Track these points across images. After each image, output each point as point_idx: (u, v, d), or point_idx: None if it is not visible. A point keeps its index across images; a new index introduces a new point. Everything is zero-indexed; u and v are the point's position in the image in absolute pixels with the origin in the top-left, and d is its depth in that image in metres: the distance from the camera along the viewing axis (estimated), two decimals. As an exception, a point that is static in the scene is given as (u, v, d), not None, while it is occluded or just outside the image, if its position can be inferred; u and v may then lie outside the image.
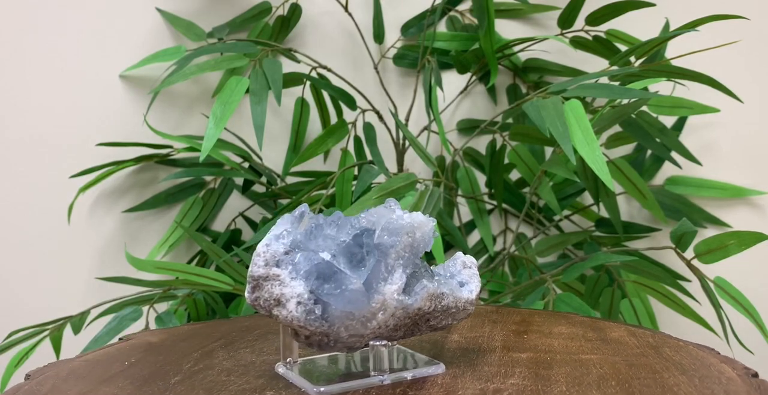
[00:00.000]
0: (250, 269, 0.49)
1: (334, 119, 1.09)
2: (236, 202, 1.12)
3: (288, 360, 0.53)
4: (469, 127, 1.16)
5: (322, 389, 0.49)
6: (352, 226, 0.50)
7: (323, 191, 1.00)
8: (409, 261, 0.50)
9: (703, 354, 0.56)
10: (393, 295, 0.49)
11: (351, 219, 0.50)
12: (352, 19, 1.10)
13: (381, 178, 1.07)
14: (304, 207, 0.50)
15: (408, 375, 0.51)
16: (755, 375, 0.50)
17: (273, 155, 1.13)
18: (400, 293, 0.49)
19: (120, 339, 0.66)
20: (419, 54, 1.11)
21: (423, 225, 0.50)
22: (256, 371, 0.54)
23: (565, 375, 0.51)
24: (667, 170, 1.14)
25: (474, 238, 1.16)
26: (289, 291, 0.48)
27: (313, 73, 1.06)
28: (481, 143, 1.16)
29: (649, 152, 1.12)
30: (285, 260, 0.49)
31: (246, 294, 0.49)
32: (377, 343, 0.51)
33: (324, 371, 0.53)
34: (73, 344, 0.94)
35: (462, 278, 0.53)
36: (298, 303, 0.48)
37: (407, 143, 1.08)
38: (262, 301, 0.49)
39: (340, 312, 0.48)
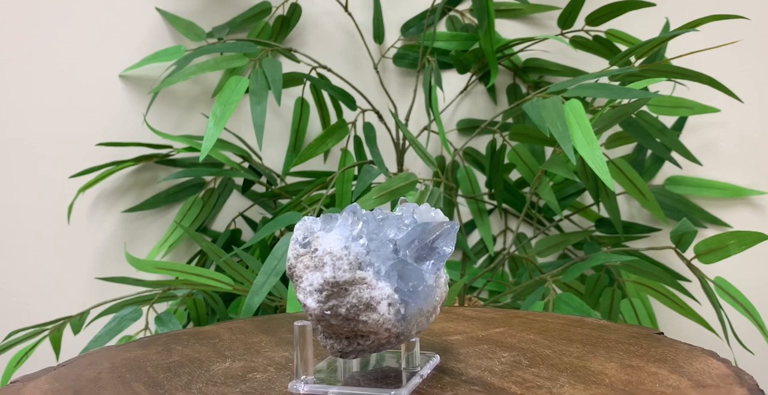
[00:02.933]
0: (325, 275, 0.45)
1: (334, 119, 1.09)
2: (236, 202, 1.12)
3: (303, 377, 0.49)
4: (469, 127, 1.16)
5: (402, 392, 0.47)
6: (401, 223, 0.48)
7: (323, 191, 1.00)
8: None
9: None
10: (444, 288, 0.50)
11: (393, 216, 0.49)
12: (352, 19, 1.10)
13: (381, 178, 1.07)
14: (356, 206, 0.48)
15: (425, 371, 0.51)
16: None
17: (273, 155, 1.13)
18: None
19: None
20: (419, 54, 1.11)
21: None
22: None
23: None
24: (667, 170, 1.14)
25: (474, 238, 1.16)
26: (379, 293, 0.46)
27: (313, 73, 1.06)
28: (481, 143, 1.16)
29: (649, 152, 1.12)
30: (365, 261, 0.46)
31: (312, 304, 0.45)
32: (414, 340, 0.50)
33: (353, 377, 0.50)
34: (73, 344, 0.94)
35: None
36: (389, 304, 0.46)
37: (407, 143, 1.08)
38: (344, 309, 0.45)
39: (414, 310, 0.47)
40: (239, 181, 1.11)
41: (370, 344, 0.47)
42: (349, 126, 1.07)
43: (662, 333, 0.59)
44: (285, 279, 0.91)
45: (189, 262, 1.08)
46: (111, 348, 0.61)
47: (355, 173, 1.00)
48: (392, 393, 0.47)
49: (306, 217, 0.49)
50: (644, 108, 1.01)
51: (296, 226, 0.48)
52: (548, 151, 1.13)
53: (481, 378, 0.50)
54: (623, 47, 1.02)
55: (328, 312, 0.45)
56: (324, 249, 0.46)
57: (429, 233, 0.47)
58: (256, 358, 0.56)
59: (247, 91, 0.91)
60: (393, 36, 1.15)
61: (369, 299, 0.45)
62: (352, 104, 1.04)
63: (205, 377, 0.52)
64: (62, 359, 0.92)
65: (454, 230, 0.48)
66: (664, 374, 0.50)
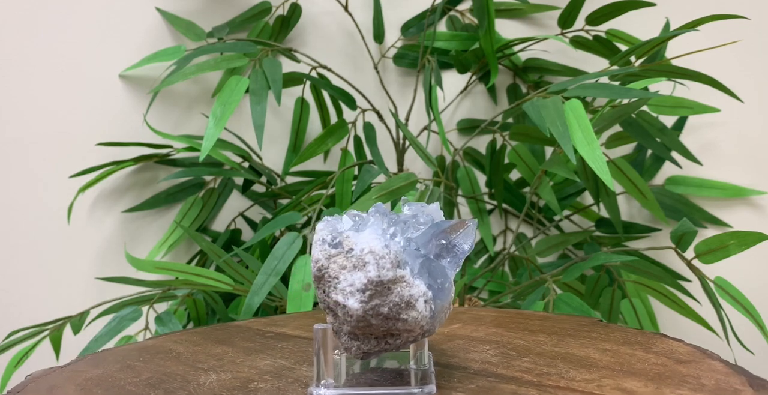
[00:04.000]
0: (369, 275, 0.44)
1: (334, 118, 1.09)
2: (236, 202, 1.12)
3: (323, 381, 0.47)
4: (469, 127, 1.16)
5: (432, 388, 0.47)
6: (417, 222, 0.48)
7: (323, 191, 1.00)
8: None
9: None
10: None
11: (407, 215, 0.49)
12: (352, 19, 1.10)
13: (381, 178, 1.07)
14: (381, 205, 0.48)
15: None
16: None
17: (273, 155, 1.13)
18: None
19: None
20: (419, 54, 1.11)
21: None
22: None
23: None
24: (667, 170, 1.14)
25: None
26: (417, 291, 0.45)
27: (313, 73, 1.06)
28: (481, 143, 1.16)
29: (649, 152, 1.12)
30: (402, 259, 0.46)
31: (354, 304, 0.44)
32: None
33: (365, 378, 0.50)
34: (73, 344, 0.94)
35: None
36: (425, 301, 0.46)
37: (407, 143, 1.08)
38: (386, 308, 0.45)
39: (440, 307, 0.47)
40: (239, 181, 1.11)
41: (397, 343, 0.47)
42: (349, 126, 1.07)
43: (602, 320, 0.63)
44: (285, 279, 0.91)
45: (189, 262, 1.08)
46: (56, 369, 0.55)
47: (355, 173, 1.00)
48: (425, 390, 0.47)
49: (327, 217, 0.48)
50: (644, 108, 1.01)
51: (319, 227, 0.47)
52: (548, 151, 1.13)
53: (488, 370, 0.51)
54: (623, 47, 1.02)
55: (370, 312, 0.45)
56: (363, 249, 0.45)
57: (449, 231, 0.47)
58: (240, 368, 0.53)
59: (247, 91, 0.91)
60: (393, 36, 1.15)
61: (409, 297, 0.45)
62: (352, 104, 1.04)
63: (205, 391, 0.49)
64: (62, 359, 0.92)
65: (473, 228, 0.48)
66: (640, 355, 0.53)
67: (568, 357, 0.54)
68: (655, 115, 1.02)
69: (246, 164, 1.08)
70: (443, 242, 0.48)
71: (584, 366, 0.51)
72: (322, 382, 0.47)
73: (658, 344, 0.56)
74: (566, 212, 1.12)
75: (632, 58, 0.90)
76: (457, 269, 0.49)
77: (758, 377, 0.49)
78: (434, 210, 0.50)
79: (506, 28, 1.15)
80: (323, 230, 0.46)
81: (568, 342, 0.57)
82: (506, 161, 1.07)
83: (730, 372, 0.50)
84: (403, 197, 0.50)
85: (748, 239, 0.76)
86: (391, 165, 1.12)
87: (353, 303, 0.44)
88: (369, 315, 0.45)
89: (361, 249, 0.45)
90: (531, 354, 0.55)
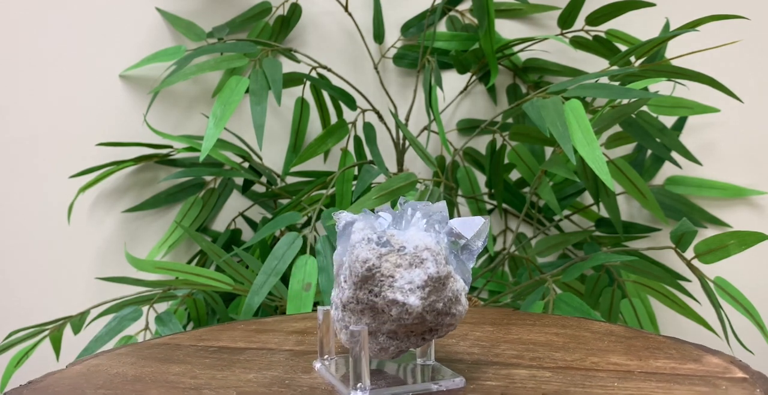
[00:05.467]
0: (429, 271, 0.44)
1: (334, 119, 1.09)
2: (236, 202, 1.12)
3: (358, 385, 0.46)
4: (469, 127, 1.16)
5: (462, 380, 0.48)
6: (445, 219, 0.49)
7: (323, 191, 1.00)
8: None
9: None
10: None
11: (437, 213, 0.49)
12: (352, 19, 1.10)
13: (381, 178, 1.07)
14: (408, 201, 0.48)
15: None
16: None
17: (273, 155, 1.13)
18: None
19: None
20: (419, 54, 1.11)
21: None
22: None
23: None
24: (667, 170, 1.14)
25: (474, 238, 1.15)
26: (460, 285, 0.47)
27: (313, 73, 1.06)
28: (481, 143, 1.16)
29: (649, 152, 1.12)
30: (448, 255, 0.47)
31: (416, 302, 0.44)
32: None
33: (385, 377, 0.50)
34: (73, 344, 0.94)
35: None
36: (465, 295, 0.47)
37: (407, 143, 1.08)
38: (441, 303, 0.45)
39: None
40: (239, 181, 1.11)
41: (430, 338, 0.47)
42: (349, 126, 1.07)
43: (517, 309, 0.69)
44: (285, 279, 0.91)
45: (189, 262, 1.08)
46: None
47: (355, 173, 1.00)
48: (456, 381, 0.47)
49: (361, 216, 0.47)
50: (644, 108, 1.01)
51: (357, 227, 0.46)
52: (548, 151, 1.13)
53: (483, 359, 0.53)
54: (623, 47, 1.02)
55: (428, 308, 0.45)
56: (417, 246, 0.45)
57: (464, 230, 0.48)
58: (225, 384, 0.50)
59: (247, 91, 0.91)
60: (393, 36, 1.15)
61: (457, 291, 0.46)
62: (352, 104, 1.04)
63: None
64: (62, 359, 0.92)
65: (486, 226, 0.48)
66: (589, 335, 0.59)
67: (535, 342, 0.57)
68: (655, 115, 1.02)
69: (246, 164, 1.08)
70: (461, 240, 0.48)
71: (558, 349, 0.55)
72: (359, 385, 0.46)
73: (589, 326, 0.62)
74: (566, 212, 1.12)
75: (632, 58, 0.90)
76: (471, 266, 0.49)
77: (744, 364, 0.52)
78: (442, 209, 0.50)
79: (506, 28, 1.15)
80: (365, 229, 0.46)
81: (515, 330, 0.61)
82: (506, 161, 1.07)
83: (633, 334, 0.58)
84: (401, 197, 0.50)
85: (748, 239, 0.76)
86: (391, 165, 1.12)
87: (414, 301, 0.44)
88: (426, 312, 0.45)
89: (414, 246, 0.45)
90: (502, 342, 0.57)
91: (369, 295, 0.45)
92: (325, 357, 0.51)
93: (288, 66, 1.08)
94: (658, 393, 0.46)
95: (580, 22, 1.05)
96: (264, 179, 1.08)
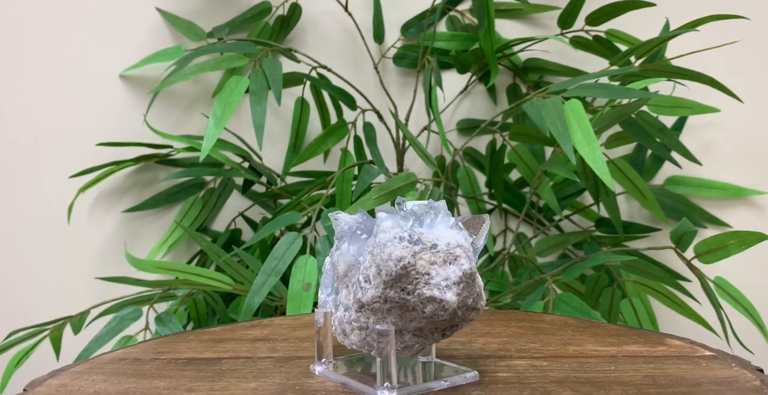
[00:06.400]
0: (463, 268, 0.45)
1: (334, 119, 1.09)
2: (236, 202, 1.12)
3: (386, 384, 0.46)
4: (469, 127, 1.16)
5: (475, 373, 0.49)
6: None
7: (323, 191, 1.00)
8: None
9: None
10: None
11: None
12: (352, 19, 1.10)
13: (381, 178, 1.07)
14: (433, 203, 0.48)
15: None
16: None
17: (273, 155, 1.13)
18: None
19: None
20: (419, 54, 1.11)
21: None
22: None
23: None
24: (667, 170, 1.14)
25: (474, 238, 1.15)
26: (481, 281, 0.48)
27: (313, 73, 1.06)
28: (481, 143, 1.16)
29: (649, 152, 1.12)
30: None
31: (452, 298, 0.45)
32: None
33: (406, 374, 0.50)
34: (73, 344, 0.94)
35: None
36: (483, 290, 0.48)
37: (407, 143, 1.08)
38: (471, 299, 0.46)
39: None
40: (239, 181, 1.11)
41: (450, 334, 0.48)
42: (349, 126, 1.07)
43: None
44: (285, 279, 0.91)
45: (189, 262, 1.08)
46: None
47: (355, 173, 1.00)
48: (469, 375, 0.48)
49: (386, 215, 0.47)
50: (644, 108, 1.01)
51: (386, 226, 0.46)
52: (548, 151, 1.13)
53: (475, 353, 0.54)
54: (623, 47, 1.02)
55: (461, 304, 0.46)
56: (449, 243, 0.46)
57: (467, 228, 0.49)
58: None
59: (247, 91, 0.91)
60: (393, 36, 1.15)
61: (480, 287, 0.47)
62: (352, 104, 1.04)
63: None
64: (62, 359, 0.92)
65: (487, 225, 0.49)
66: (547, 326, 0.62)
67: (507, 334, 0.59)
68: (655, 115, 1.02)
69: (246, 164, 1.08)
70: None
71: (533, 341, 0.57)
72: (386, 384, 0.46)
73: (541, 318, 0.65)
74: (566, 212, 1.12)
75: (632, 58, 0.90)
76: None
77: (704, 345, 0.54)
78: (443, 208, 0.50)
79: (506, 28, 1.15)
80: (395, 227, 0.46)
81: (478, 326, 0.63)
82: (506, 161, 1.07)
83: (586, 324, 0.61)
84: (399, 197, 0.49)
85: (748, 239, 0.76)
86: (391, 165, 1.12)
87: (451, 297, 0.45)
88: (458, 307, 0.46)
89: (446, 244, 0.46)
90: (476, 337, 0.58)
91: (401, 293, 0.45)
92: (323, 360, 0.51)
93: (288, 66, 1.08)
94: (655, 373, 0.49)
95: (580, 22, 1.05)
96: (264, 179, 1.08)
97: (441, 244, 0.46)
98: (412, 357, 0.50)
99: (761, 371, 0.49)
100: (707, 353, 0.53)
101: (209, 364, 0.55)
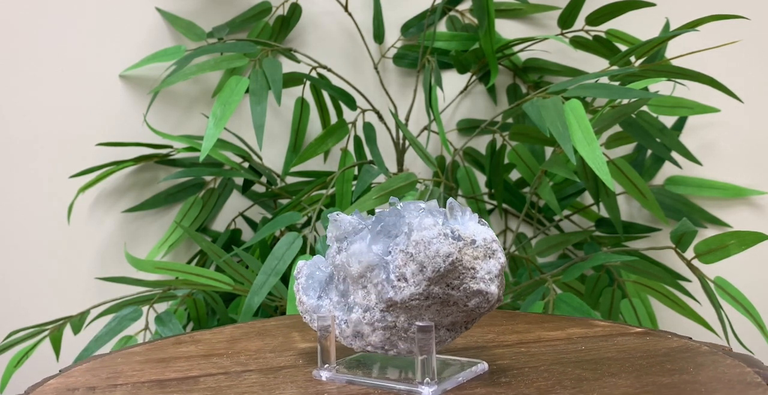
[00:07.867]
0: (500, 261, 0.47)
1: (334, 119, 1.09)
2: (236, 202, 1.12)
3: (426, 379, 0.47)
4: (469, 127, 1.16)
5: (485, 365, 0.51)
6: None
7: (323, 191, 1.00)
8: None
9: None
10: None
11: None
12: (352, 19, 1.10)
13: (381, 178, 1.07)
14: (453, 201, 0.49)
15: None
16: None
17: (273, 155, 1.13)
18: None
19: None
20: (419, 54, 1.11)
21: None
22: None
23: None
24: (667, 170, 1.14)
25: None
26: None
27: (313, 73, 1.06)
28: (481, 143, 1.16)
29: (649, 152, 1.12)
30: None
31: (495, 290, 0.47)
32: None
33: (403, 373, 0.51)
34: (73, 344, 0.94)
35: None
36: None
37: (407, 143, 1.08)
38: (501, 290, 0.48)
39: None
40: (239, 181, 1.11)
41: (470, 326, 0.50)
42: (349, 126, 1.07)
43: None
44: (285, 279, 0.91)
45: (189, 262, 1.08)
46: None
47: (355, 173, 1.00)
48: (479, 367, 0.50)
49: (425, 212, 0.48)
50: (644, 108, 1.01)
51: (428, 223, 0.46)
52: (548, 151, 1.13)
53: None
54: (623, 47, 1.02)
55: (499, 296, 0.48)
56: (485, 238, 0.47)
57: None
58: None
59: (247, 91, 0.91)
60: (393, 36, 1.15)
61: (503, 280, 0.49)
62: (352, 104, 1.04)
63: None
64: (62, 359, 0.93)
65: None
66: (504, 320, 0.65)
67: (475, 327, 0.62)
68: (655, 115, 1.02)
69: (246, 164, 1.08)
70: None
71: (496, 332, 0.59)
72: (425, 380, 0.46)
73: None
74: (566, 212, 1.12)
75: (632, 58, 0.90)
76: None
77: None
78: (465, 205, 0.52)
79: (506, 28, 1.15)
80: (437, 225, 0.47)
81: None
82: (506, 161, 1.07)
83: (509, 315, 0.65)
84: (392, 198, 0.49)
85: (748, 239, 0.76)
86: (391, 165, 1.12)
87: (494, 289, 0.47)
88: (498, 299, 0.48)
89: (483, 239, 0.47)
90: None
91: (446, 288, 0.47)
92: (326, 365, 0.50)
93: (288, 66, 1.08)
94: (625, 346, 0.53)
95: (580, 22, 1.05)
96: (264, 179, 1.08)
97: (479, 239, 0.47)
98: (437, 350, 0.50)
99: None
100: (638, 329, 0.57)
101: (191, 384, 0.49)
